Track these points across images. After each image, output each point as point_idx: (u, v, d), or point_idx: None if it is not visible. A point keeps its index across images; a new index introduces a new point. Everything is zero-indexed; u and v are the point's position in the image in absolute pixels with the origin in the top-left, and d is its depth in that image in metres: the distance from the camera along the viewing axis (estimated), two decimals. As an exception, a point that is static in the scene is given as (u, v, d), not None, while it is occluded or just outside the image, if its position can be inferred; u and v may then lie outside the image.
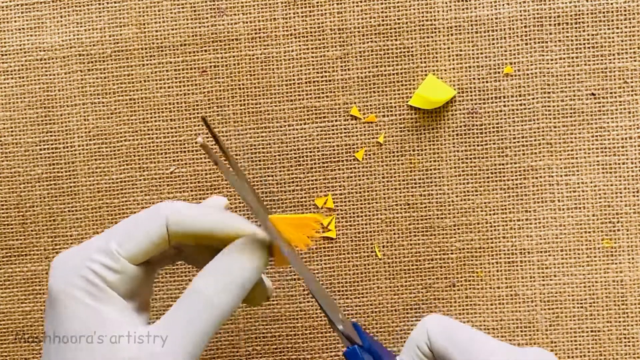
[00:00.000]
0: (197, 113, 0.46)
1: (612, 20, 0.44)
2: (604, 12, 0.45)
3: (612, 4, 0.45)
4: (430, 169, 0.45)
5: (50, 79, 0.46)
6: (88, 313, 0.31)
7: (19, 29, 0.46)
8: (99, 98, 0.46)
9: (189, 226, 0.33)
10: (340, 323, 0.36)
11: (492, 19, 0.45)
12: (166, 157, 0.46)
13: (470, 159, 0.45)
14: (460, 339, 0.36)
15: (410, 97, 0.45)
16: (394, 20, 0.45)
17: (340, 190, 0.46)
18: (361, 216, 0.46)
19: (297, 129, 0.46)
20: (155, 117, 0.46)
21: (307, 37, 0.46)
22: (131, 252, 0.32)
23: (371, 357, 0.36)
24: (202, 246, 0.34)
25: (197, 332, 0.31)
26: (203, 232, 0.33)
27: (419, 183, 0.46)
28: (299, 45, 0.46)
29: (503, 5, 0.45)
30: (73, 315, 0.31)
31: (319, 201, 0.46)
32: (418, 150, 0.45)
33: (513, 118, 0.45)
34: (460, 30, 0.45)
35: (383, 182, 0.46)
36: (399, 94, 0.45)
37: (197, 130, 0.46)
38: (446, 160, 0.45)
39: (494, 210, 0.45)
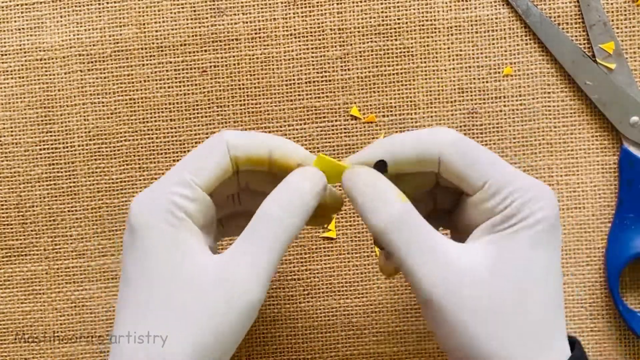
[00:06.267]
0: (197, 113, 0.46)
1: (612, 21, 0.45)
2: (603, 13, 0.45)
3: (612, 4, 0.45)
4: (430, 169, 0.45)
5: (50, 79, 0.46)
6: (169, 242, 0.32)
7: (19, 29, 0.46)
8: (99, 98, 0.46)
9: (249, 147, 0.35)
10: None
11: (492, 19, 0.45)
12: (166, 157, 0.46)
13: (470, 159, 0.45)
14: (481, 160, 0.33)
15: (411, 96, 0.45)
16: (394, 20, 0.45)
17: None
18: (361, 216, 0.46)
19: (297, 129, 0.46)
20: (155, 117, 0.46)
21: (307, 37, 0.46)
22: (204, 180, 0.34)
23: None
24: (265, 179, 0.36)
25: (273, 249, 0.32)
26: (262, 154, 0.35)
27: (419, 183, 0.45)
28: (299, 45, 0.46)
29: (503, 5, 0.45)
30: (153, 246, 0.32)
31: (319, 201, 0.46)
32: (418, 150, 0.45)
33: (513, 118, 0.45)
34: (460, 30, 0.45)
35: (383, 182, 0.45)
36: (399, 94, 0.45)
37: (197, 130, 0.46)
38: (446, 160, 0.45)
39: (494, 210, 0.45)
